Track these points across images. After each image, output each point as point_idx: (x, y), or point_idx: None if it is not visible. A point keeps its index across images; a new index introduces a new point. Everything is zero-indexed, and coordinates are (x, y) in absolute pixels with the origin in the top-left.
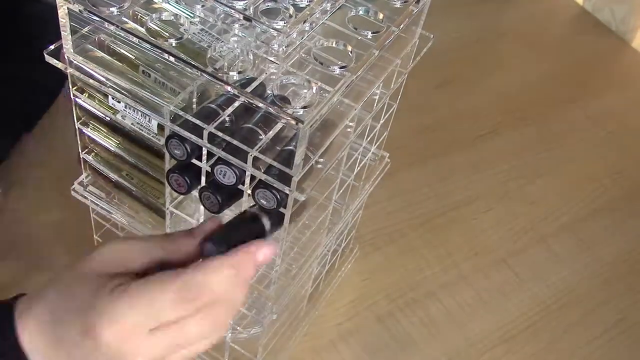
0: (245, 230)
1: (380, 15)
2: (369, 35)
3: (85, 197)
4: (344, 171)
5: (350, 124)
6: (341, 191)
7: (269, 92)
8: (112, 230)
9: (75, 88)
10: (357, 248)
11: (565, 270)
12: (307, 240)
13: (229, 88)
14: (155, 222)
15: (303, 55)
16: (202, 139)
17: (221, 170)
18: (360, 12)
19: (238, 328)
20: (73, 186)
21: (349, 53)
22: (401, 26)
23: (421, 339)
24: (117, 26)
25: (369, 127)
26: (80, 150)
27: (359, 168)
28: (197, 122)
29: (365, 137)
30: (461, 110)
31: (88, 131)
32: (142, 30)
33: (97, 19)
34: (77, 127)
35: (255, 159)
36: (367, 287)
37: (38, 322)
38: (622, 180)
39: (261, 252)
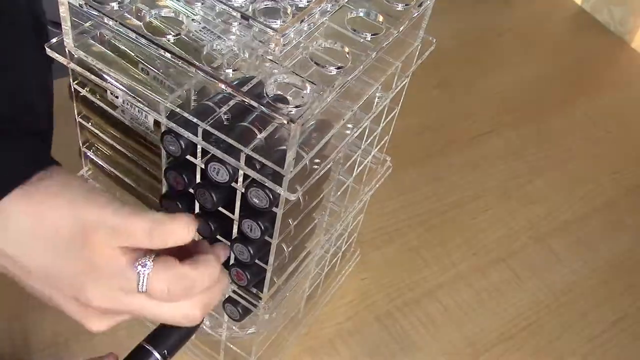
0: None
1: (380, 18)
2: (368, 37)
3: None
4: (344, 173)
5: (349, 125)
6: (339, 193)
7: (265, 91)
8: None
9: (76, 82)
10: (358, 251)
11: (564, 269)
12: (303, 241)
13: (223, 86)
14: None
15: (302, 55)
16: (196, 135)
17: (214, 168)
18: (361, 14)
19: (234, 327)
20: None
21: (347, 55)
22: (401, 29)
23: (420, 338)
24: (116, 21)
25: (370, 130)
26: (80, 144)
27: (358, 170)
28: (192, 118)
29: (364, 139)
30: (460, 109)
31: (88, 125)
32: (142, 25)
33: (96, 13)
34: (77, 121)
35: (249, 157)
36: (366, 287)
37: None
38: (621, 179)
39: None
